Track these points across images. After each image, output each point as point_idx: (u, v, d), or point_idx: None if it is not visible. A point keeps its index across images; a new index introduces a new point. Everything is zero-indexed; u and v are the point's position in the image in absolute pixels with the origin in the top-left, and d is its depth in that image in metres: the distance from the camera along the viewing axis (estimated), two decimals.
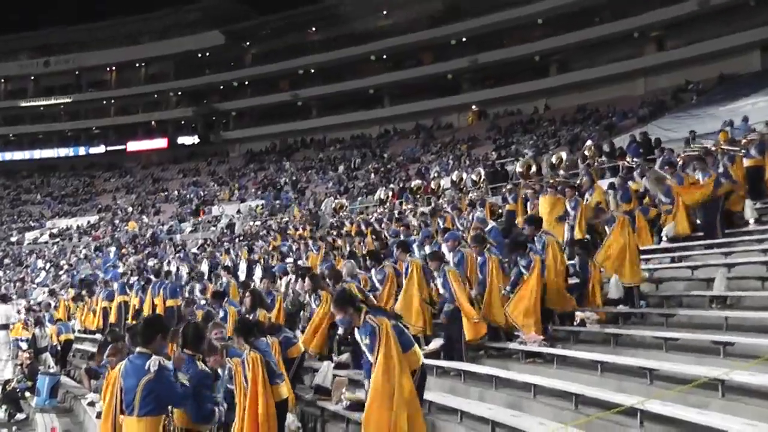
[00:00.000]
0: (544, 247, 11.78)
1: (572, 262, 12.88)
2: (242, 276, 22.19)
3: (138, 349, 6.76)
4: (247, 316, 12.08)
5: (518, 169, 26.15)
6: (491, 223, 16.23)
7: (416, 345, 7.86)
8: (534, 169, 25.31)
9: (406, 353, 7.56)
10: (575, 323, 11.81)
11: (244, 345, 8.66)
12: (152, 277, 22.30)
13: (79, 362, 21.29)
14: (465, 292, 11.31)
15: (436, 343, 11.85)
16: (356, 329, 7.73)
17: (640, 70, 48.72)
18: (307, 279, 13.30)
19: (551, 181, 20.69)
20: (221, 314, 13.53)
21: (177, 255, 33.51)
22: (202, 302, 15.70)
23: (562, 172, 23.72)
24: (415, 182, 33.29)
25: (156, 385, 6.47)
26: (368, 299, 11.37)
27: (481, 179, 27.03)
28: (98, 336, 23.28)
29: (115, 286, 24.07)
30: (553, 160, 25.23)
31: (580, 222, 15.45)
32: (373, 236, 20.54)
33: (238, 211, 48.07)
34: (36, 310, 27.02)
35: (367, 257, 14.42)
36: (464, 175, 29.26)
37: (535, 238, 12.15)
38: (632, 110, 41.77)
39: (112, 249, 43.28)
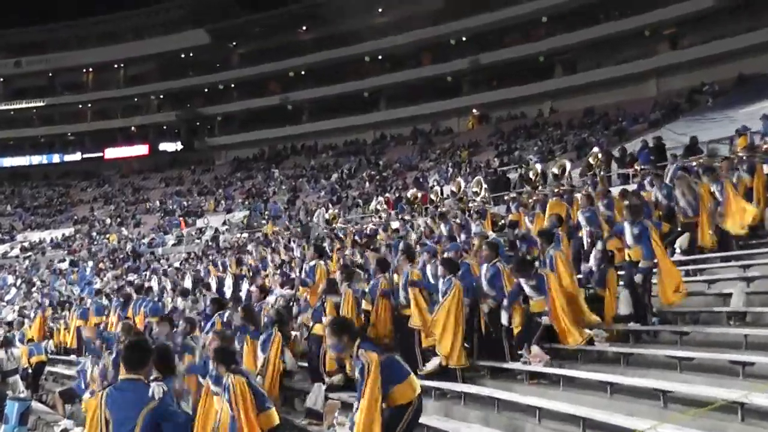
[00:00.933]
0: (554, 263, 11.81)
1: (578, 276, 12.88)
2: (228, 292, 22.12)
3: (125, 375, 6.43)
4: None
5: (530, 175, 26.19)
6: (492, 235, 16.17)
7: (412, 375, 7.78)
8: (539, 177, 25.37)
9: (400, 384, 7.50)
10: (585, 340, 11.69)
11: (225, 372, 8.60)
12: (133, 293, 22.22)
13: (53, 386, 21.18)
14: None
15: (434, 363, 11.81)
16: (350, 358, 7.70)
17: (652, 70, 48.82)
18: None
19: (556, 190, 20.68)
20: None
21: (161, 270, 33.38)
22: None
23: (566, 180, 23.70)
24: (412, 191, 33.28)
25: (160, 414, 6.14)
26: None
27: (482, 188, 26.99)
28: (72, 357, 23.20)
29: (88, 305, 24.04)
30: (555, 170, 25.17)
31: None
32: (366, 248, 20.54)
33: (224, 223, 48.01)
34: (5, 330, 26.88)
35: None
36: (463, 184, 29.25)
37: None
38: (643, 114, 41.83)
39: (89, 264, 43.17)
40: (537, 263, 12.06)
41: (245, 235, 41.21)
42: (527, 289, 11.47)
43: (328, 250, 23.57)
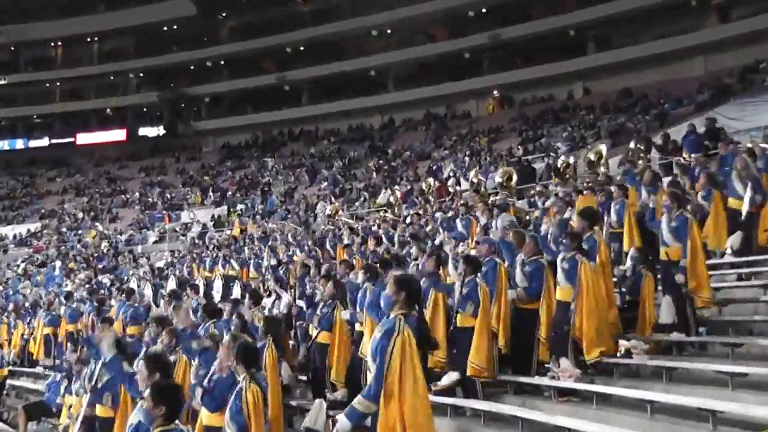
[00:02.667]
0: (595, 248, 11.88)
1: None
2: (217, 296, 22.15)
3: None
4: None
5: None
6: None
7: None
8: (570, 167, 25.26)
9: None
10: (619, 353, 11.73)
11: (244, 374, 8.91)
12: (111, 296, 22.28)
13: (15, 402, 21.23)
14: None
15: (450, 378, 11.81)
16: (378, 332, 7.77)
17: (699, 46, 48.49)
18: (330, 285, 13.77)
19: (588, 182, 20.65)
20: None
21: (140, 270, 33.43)
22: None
23: (602, 170, 23.63)
24: (428, 181, 33.29)
25: None
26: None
27: (509, 179, 26.86)
28: (39, 369, 23.24)
29: (62, 310, 24.02)
30: (591, 156, 25.09)
31: (630, 229, 15.48)
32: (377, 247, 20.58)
33: (213, 218, 48.03)
34: None
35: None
36: (481, 177, 29.19)
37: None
38: (689, 95, 41.67)
39: (57, 263, 43.21)
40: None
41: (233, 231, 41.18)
42: (559, 275, 11.72)
43: (329, 246, 23.64)
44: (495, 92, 58.03)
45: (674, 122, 35.02)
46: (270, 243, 29.45)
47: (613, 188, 16.81)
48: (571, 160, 26.27)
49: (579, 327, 11.35)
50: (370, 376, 7.42)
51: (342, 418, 7.17)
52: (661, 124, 36.37)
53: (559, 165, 25.85)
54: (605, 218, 15.91)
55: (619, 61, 50.53)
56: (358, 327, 13.40)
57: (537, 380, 11.50)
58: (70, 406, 13.79)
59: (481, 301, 11.56)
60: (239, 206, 49.08)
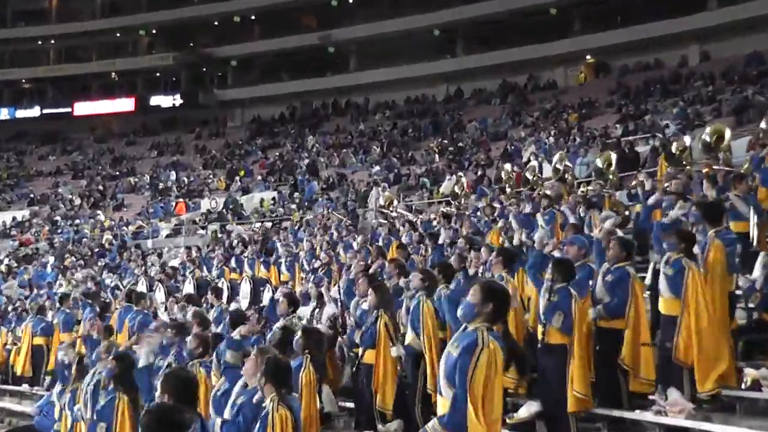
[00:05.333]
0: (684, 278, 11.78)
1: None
2: (244, 303, 22.23)
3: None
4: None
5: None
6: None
7: None
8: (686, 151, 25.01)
9: None
10: (744, 385, 11.59)
11: (272, 395, 8.92)
12: (115, 299, 22.40)
13: None
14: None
15: (530, 409, 11.77)
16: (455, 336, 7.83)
17: None
18: (372, 291, 13.54)
19: (706, 170, 20.41)
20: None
21: (150, 270, 33.62)
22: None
23: (722, 155, 23.37)
24: (504, 168, 33.11)
25: None
26: None
27: (609, 166, 26.61)
28: (25, 387, 23.44)
29: (55, 316, 24.16)
30: (707, 137, 24.78)
31: (763, 228, 15.35)
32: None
33: (236, 207, 48.15)
34: None
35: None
36: (568, 162, 28.98)
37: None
38: None
39: (49, 260, 43.56)
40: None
41: (268, 224, 41.31)
42: (662, 283, 11.71)
43: (383, 244, 23.60)
44: (588, 57, 57.82)
45: None
46: (307, 238, 29.48)
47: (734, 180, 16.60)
48: (687, 141, 25.99)
49: (684, 350, 11.28)
50: (445, 403, 7.40)
51: None
52: None
53: (674, 149, 25.56)
54: None
55: (747, 17, 49.90)
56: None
57: (638, 415, 11.42)
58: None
59: (576, 314, 11.52)
60: (272, 193, 49.22)
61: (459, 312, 7.82)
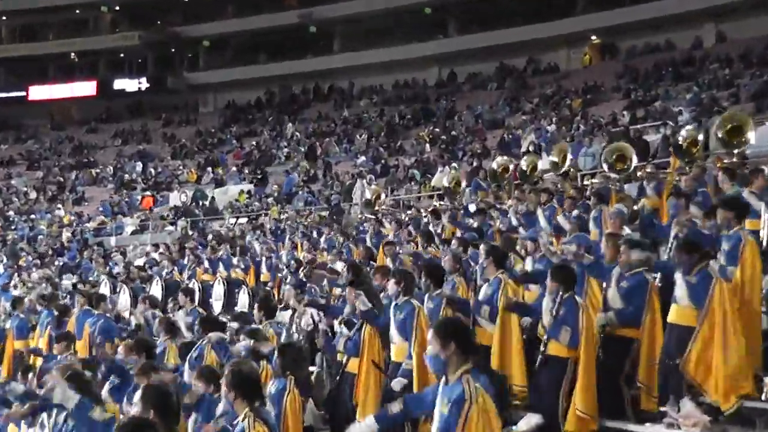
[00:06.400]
0: (736, 248, 11.92)
1: None
2: (217, 305, 22.26)
3: None
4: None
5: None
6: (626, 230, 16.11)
7: None
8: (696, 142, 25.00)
9: None
10: (765, 396, 11.58)
11: (246, 410, 8.80)
12: (76, 302, 22.33)
13: None
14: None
15: (530, 421, 11.82)
16: (441, 388, 7.86)
17: None
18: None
19: (721, 163, 20.45)
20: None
21: (116, 270, 33.59)
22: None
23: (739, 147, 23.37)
24: (498, 160, 33.12)
25: None
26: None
27: (630, 159, 26.52)
28: None
29: (7, 322, 24.10)
30: (725, 125, 24.72)
31: None
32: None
33: (211, 201, 48.11)
34: None
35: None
36: (568, 152, 28.99)
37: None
38: None
39: (2, 258, 43.45)
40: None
41: (242, 221, 41.33)
42: (679, 290, 11.68)
43: (370, 244, 23.66)
44: (593, 38, 57.89)
45: None
46: (289, 237, 29.51)
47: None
48: (701, 135, 25.96)
49: (695, 364, 11.30)
50: None
51: None
52: None
53: (680, 139, 25.51)
54: None
55: None
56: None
57: (648, 428, 11.47)
58: None
59: (583, 326, 11.60)
60: (248, 186, 49.21)
61: (430, 369, 7.90)
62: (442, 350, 7.64)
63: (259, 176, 50.63)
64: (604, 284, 12.77)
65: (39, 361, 18.63)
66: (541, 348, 12.07)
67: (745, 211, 13.19)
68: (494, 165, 30.89)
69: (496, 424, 7.48)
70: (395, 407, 8.34)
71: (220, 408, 10.07)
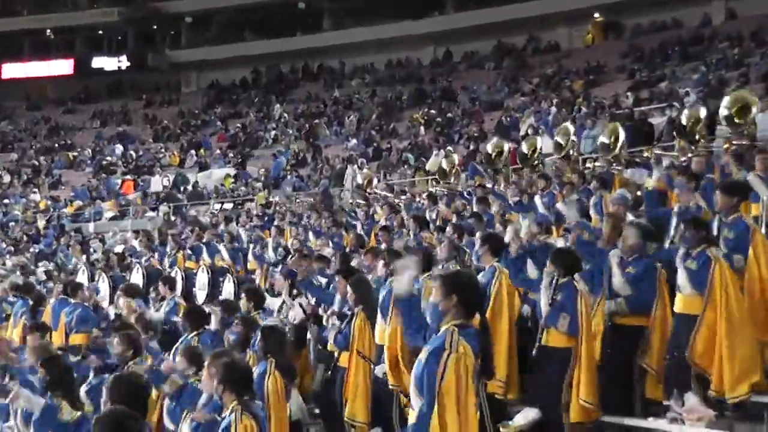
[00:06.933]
0: (743, 236, 11.95)
1: None
2: (201, 294, 22.26)
3: None
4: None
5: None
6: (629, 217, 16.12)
7: None
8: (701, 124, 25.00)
9: None
10: None
11: (233, 403, 8.78)
12: (52, 291, 22.31)
13: None
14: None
15: (528, 416, 11.85)
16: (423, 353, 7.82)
17: None
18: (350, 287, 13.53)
19: (726, 145, 20.49)
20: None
21: (94, 257, 33.56)
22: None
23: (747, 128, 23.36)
24: (494, 143, 33.08)
25: None
26: None
27: (619, 139, 26.58)
28: None
29: None
30: (732, 106, 24.71)
31: None
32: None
33: (194, 186, 48.05)
34: None
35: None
36: (572, 135, 28.98)
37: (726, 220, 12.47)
38: None
39: None
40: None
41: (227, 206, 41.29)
42: (681, 278, 11.70)
43: (362, 231, 23.69)
44: (596, 15, 57.86)
45: None
46: (276, 223, 29.50)
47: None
48: (703, 113, 25.95)
49: (701, 351, 11.33)
50: (412, 414, 7.46)
51: None
52: None
53: (684, 119, 25.52)
54: None
55: None
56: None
57: (651, 423, 11.46)
58: None
59: (582, 313, 11.58)
60: (233, 170, 49.14)
61: (428, 318, 7.86)
62: (443, 300, 7.68)
63: (239, 159, 50.57)
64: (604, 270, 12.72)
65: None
66: (538, 338, 12.03)
67: (746, 196, 13.22)
68: (489, 148, 31.02)
69: (473, 376, 7.48)
70: None
71: (203, 399, 10.05)
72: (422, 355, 7.52)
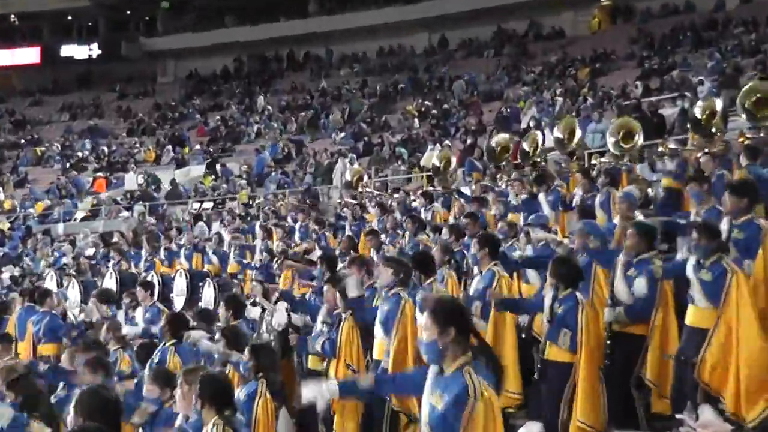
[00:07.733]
0: (754, 238, 12.07)
1: None
2: (179, 300, 22.28)
3: None
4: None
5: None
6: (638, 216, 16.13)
7: None
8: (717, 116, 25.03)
9: None
10: None
11: (214, 419, 8.80)
12: (16, 300, 22.34)
13: None
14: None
15: (531, 430, 11.88)
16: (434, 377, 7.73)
17: None
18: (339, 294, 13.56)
19: (741, 139, 20.54)
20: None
21: (61, 260, 33.59)
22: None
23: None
24: (497, 138, 33.10)
25: None
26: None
27: (637, 134, 26.54)
28: None
29: None
30: (749, 96, 24.73)
31: None
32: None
33: (171, 184, 48.04)
34: None
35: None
36: (578, 128, 28.98)
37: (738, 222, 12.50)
38: None
39: None
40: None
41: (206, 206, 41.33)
42: (695, 290, 11.66)
43: (350, 231, 23.72)
44: None
45: None
46: (259, 223, 29.52)
47: None
48: (719, 104, 25.97)
49: (710, 369, 11.32)
50: None
51: None
52: None
53: (698, 112, 25.51)
54: None
55: None
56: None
57: None
58: None
59: (583, 326, 11.55)
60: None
61: (425, 358, 7.76)
62: (440, 337, 7.40)
63: (208, 159, 50.48)
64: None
65: None
66: (540, 352, 12.08)
67: (757, 197, 13.23)
68: (493, 143, 30.92)
69: (500, 419, 7.30)
70: (366, 381, 8.33)
71: (178, 421, 10.02)
72: (436, 403, 7.29)
